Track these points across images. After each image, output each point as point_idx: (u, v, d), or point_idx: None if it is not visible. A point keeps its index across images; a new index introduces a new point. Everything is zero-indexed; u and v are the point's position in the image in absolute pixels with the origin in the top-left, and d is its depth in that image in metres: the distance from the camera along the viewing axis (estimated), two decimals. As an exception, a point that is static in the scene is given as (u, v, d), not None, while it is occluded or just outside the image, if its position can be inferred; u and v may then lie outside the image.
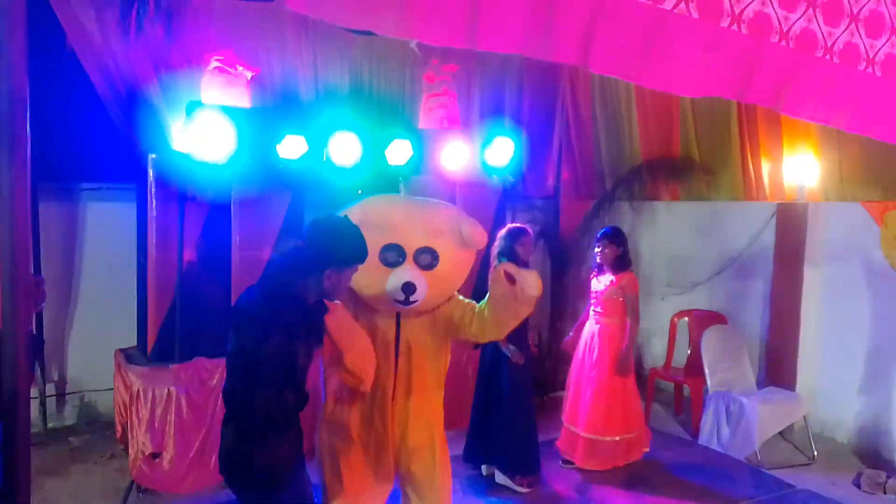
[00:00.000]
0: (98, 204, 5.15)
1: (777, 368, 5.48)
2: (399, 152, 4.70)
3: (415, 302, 2.82)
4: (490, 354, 4.41)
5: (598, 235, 4.77)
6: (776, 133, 5.22)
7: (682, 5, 2.13)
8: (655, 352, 6.47)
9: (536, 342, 6.04)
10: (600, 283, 4.74)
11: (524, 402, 4.43)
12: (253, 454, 2.42)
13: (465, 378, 5.00)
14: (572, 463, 4.72)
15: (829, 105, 2.53)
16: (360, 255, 2.57)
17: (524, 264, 4.04)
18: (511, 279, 2.81)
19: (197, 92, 4.04)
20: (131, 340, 4.77)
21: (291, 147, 4.24)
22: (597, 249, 4.73)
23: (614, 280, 4.65)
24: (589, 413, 4.62)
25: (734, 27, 2.23)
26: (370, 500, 3.07)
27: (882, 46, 2.52)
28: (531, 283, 2.78)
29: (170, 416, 4.17)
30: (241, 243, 4.38)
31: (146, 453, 4.14)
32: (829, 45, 2.42)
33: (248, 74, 4.08)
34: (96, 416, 5.29)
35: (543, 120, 6.19)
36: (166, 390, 4.16)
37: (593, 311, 4.79)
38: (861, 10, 2.46)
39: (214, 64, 4.05)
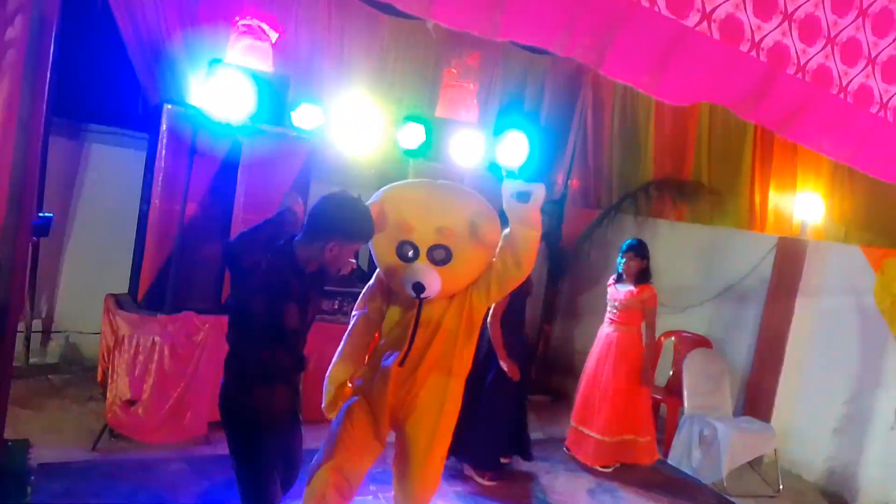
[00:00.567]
0: (108, 147, 5.17)
1: (755, 399, 5.50)
2: (411, 136, 4.71)
3: (427, 297, 2.91)
4: (483, 350, 4.43)
5: (625, 247, 4.91)
6: (788, 168, 5.25)
7: (704, 24, 2.15)
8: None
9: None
10: (619, 291, 4.91)
11: (502, 401, 4.48)
12: (244, 401, 2.58)
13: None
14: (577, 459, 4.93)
15: (836, 140, 2.56)
16: (363, 233, 2.69)
17: None
18: (522, 198, 2.85)
19: (220, 50, 4.06)
20: (123, 287, 4.78)
21: (307, 116, 4.26)
22: (621, 260, 4.88)
23: (635, 291, 4.83)
24: (603, 417, 4.81)
25: (753, 53, 2.26)
26: (362, 452, 3.12)
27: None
28: (538, 191, 2.83)
29: (151, 366, 4.18)
30: (244, 205, 4.40)
31: (123, 399, 4.15)
32: (843, 84, 2.45)
33: (274, 36, 4.09)
34: (79, 358, 5.31)
35: (560, 124, 6.21)
36: (151, 339, 4.17)
37: (609, 317, 4.98)
38: (879, 54, 2.49)
39: (242, 25, 4.07)
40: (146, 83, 4.39)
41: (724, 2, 2.18)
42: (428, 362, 3.04)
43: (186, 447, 4.26)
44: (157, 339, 4.18)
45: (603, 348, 4.96)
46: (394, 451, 3.27)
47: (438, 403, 3.09)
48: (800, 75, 2.34)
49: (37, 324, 5.15)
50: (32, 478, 3.67)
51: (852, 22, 2.40)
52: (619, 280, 4.95)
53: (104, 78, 4.58)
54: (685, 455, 5.13)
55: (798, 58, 2.32)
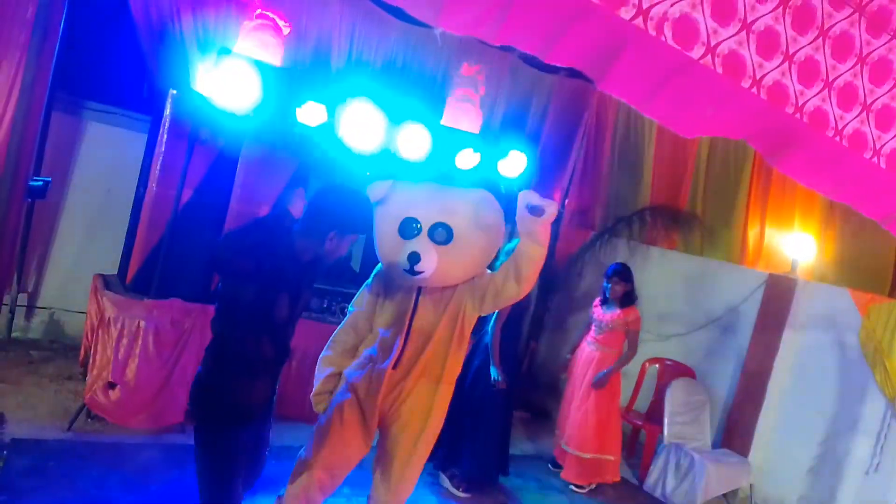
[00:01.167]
0: (109, 127, 5.16)
1: (734, 432, 5.51)
2: (413, 143, 4.72)
3: (421, 273, 2.90)
4: (478, 361, 4.47)
5: (609, 271, 5.08)
6: (783, 206, 5.30)
7: (709, 58, 2.19)
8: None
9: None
10: (605, 313, 5.06)
11: (496, 414, 4.54)
12: (221, 392, 2.52)
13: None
14: (560, 467, 5.11)
15: (827, 178, 2.60)
16: (362, 224, 2.72)
17: None
18: (535, 211, 2.86)
19: (230, 39, 4.07)
20: (112, 268, 4.78)
21: (311, 113, 4.27)
22: (607, 284, 5.03)
23: (619, 313, 4.98)
24: (580, 434, 4.98)
25: (753, 90, 2.29)
26: (350, 451, 3.12)
27: (889, 140, 2.58)
28: (551, 208, 2.86)
29: (135, 350, 4.17)
30: (241, 196, 4.41)
31: (104, 381, 4.14)
32: (839, 128, 2.48)
33: (286, 30, 4.10)
34: (62, 337, 5.29)
35: (561, 143, 6.23)
36: (136, 322, 4.16)
37: (592, 337, 5.12)
38: (874, 101, 2.53)
39: (255, 16, 4.09)
40: (153, 66, 4.39)
41: (728, 38, 2.21)
42: (420, 367, 3.05)
43: (162, 434, 4.24)
44: (142, 322, 4.17)
45: (582, 366, 5.10)
46: (375, 453, 3.25)
47: (426, 409, 3.10)
48: (797, 115, 2.37)
49: (22, 298, 5.12)
50: (4, 452, 3.65)
51: (850, 68, 2.44)
52: (604, 302, 5.09)
53: (111, 57, 4.59)
54: (661, 482, 5.16)
55: (796, 98, 2.36)
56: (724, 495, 5.22)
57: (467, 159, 4.97)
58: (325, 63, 4.77)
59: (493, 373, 4.36)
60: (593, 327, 5.13)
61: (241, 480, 2.67)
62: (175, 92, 4.23)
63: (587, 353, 5.11)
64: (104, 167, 5.14)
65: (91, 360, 4.21)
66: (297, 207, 2.71)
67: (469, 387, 4.48)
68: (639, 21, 2.06)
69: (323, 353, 3.21)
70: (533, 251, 2.90)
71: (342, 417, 3.08)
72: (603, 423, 4.97)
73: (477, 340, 4.57)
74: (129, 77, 4.62)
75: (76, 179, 5.19)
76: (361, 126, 4.44)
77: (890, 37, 2.46)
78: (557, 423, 5.26)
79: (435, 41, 4.93)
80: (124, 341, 4.15)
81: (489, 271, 3.12)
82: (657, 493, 5.14)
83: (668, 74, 2.18)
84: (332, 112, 4.34)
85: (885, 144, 2.56)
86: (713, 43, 2.19)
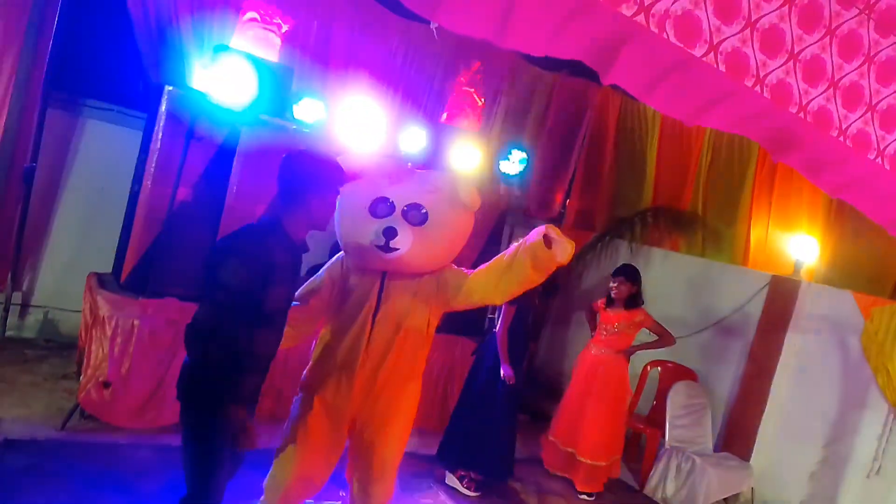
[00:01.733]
0: (104, 125, 5.12)
1: (736, 436, 5.46)
2: (412, 141, 4.69)
3: (396, 250, 2.78)
4: (491, 362, 4.43)
5: (615, 272, 4.95)
6: (786, 208, 5.26)
7: (711, 56, 2.14)
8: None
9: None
10: (611, 315, 4.93)
11: (512, 414, 4.54)
12: (210, 383, 2.45)
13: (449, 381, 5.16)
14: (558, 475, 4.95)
15: (831, 178, 2.56)
16: (338, 175, 2.60)
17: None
18: (549, 242, 2.83)
19: (227, 35, 4.03)
20: (107, 266, 4.73)
21: (308, 110, 4.23)
22: (612, 285, 4.90)
23: (625, 315, 4.87)
24: (592, 442, 4.82)
25: (757, 88, 2.25)
26: (318, 460, 3.03)
27: (893, 141, 2.54)
28: (566, 250, 2.83)
29: (129, 349, 4.12)
30: (237, 194, 4.36)
31: (98, 380, 4.10)
32: (843, 128, 2.44)
33: (284, 27, 4.06)
34: (57, 335, 5.25)
35: (563, 142, 6.18)
36: (131, 322, 4.11)
37: (599, 340, 4.99)
38: (880, 102, 2.49)
39: (252, 13, 4.05)
40: (149, 63, 4.35)
41: (731, 35, 2.17)
42: (388, 366, 2.92)
43: (156, 434, 4.20)
44: (136, 322, 4.12)
45: (589, 370, 4.97)
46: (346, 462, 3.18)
47: (399, 411, 3.02)
48: (801, 115, 2.33)
49: (17, 296, 5.08)
50: (-6, 453, 3.62)
51: (857, 68, 2.39)
52: (609, 304, 4.97)
53: (106, 54, 4.54)
54: (661, 486, 5.11)
55: (801, 98, 2.31)
56: (726, 499, 5.16)
57: (467, 157, 4.93)
58: (324, 61, 4.73)
59: (503, 370, 4.31)
60: (598, 330, 5.02)
61: (226, 472, 2.62)
62: (171, 88, 4.18)
63: (593, 358, 4.98)
64: (99, 164, 5.09)
65: (86, 360, 4.17)
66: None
67: (480, 388, 4.44)
68: (640, 18, 2.01)
69: None
70: (529, 274, 2.84)
71: (307, 430, 2.96)
72: (614, 429, 4.90)
73: (486, 341, 4.52)
74: (124, 74, 4.57)
75: (71, 177, 5.14)
76: (359, 125, 4.40)
77: (898, 37, 2.41)
78: (554, 426, 5.07)
79: (433, 38, 4.89)
80: (119, 340, 4.10)
81: (463, 269, 3.04)
82: (657, 497, 5.08)
83: (668, 72, 2.13)
84: (329, 109, 4.30)
85: (888, 145, 2.51)
86: (716, 41, 2.15)
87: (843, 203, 2.81)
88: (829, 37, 2.33)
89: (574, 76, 5.67)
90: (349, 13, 4.79)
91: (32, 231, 5.00)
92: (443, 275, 2.97)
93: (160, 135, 4.19)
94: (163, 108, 4.16)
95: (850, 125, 2.45)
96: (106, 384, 4.11)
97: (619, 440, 5.00)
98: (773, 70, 2.24)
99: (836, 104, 2.39)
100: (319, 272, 3.11)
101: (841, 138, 2.44)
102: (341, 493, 3.41)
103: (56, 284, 5.16)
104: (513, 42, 2.01)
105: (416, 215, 2.83)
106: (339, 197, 2.71)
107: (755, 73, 2.22)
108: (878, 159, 2.52)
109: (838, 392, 5.05)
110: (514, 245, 2.99)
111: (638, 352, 5.03)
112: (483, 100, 5.15)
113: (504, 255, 2.96)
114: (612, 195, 6.50)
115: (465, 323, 5.02)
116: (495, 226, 5.68)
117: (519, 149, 5.24)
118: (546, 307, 6.81)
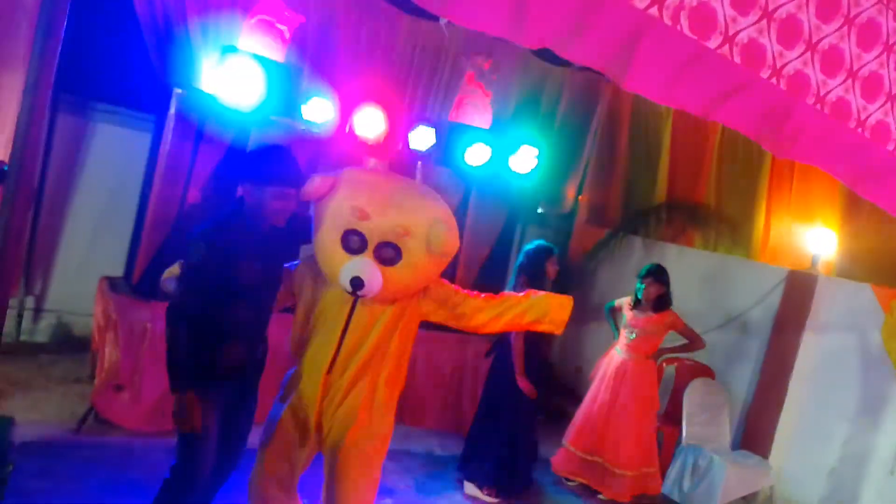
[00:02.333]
0: (114, 127, 5.12)
1: (754, 434, 5.39)
2: (422, 138, 4.65)
3: (364, 296, 2.73)
4: (502, 367, 4.36)
5: (644, 271, 4.74)
6: (803, 200, 5.17)
7: (726, 48, 2.10)
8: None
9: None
10: (638, 318, 4.73)
11: (532, 426, 4.51)
12: (185, 355, 2.58)
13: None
14: (572, 481, 4.81)
15: (849, 170, 2.50)
16: (268, 175, 2.57)
17: (551, 284, 4.13)
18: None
19: (235, 37, 4.01)
20: (119, 269, 4.74)
21: (317, 110, 4.20)
22: (640, 285, 4.69)
23: (655, 318, 4.67)
24: (626, 453, 4.67)
25: (773, 80, 2.20)
26: (282, 462, 3.02)
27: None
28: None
29: (142, 352, 4.14)
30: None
31: (111, 383, 4.10)
32: (862, 119, 2.38)
33: (290, 28, 4.03)
34: (69, 338, 5.26)
35: (574, 137, 6.10)
36: (143, 325, 4.13)
37: (624, 343, 4.79)
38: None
39: (259, 13, 4.02)
40: (158, 65, 4.33)
41: (748, 26, 2.11)
42: (356, 369, 2.86)
43: (170, 437, 4.17)
44: (148, 325, 4.13)
45: (617, 377, 4.74)
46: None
47: (366, 409, 2.90)
48: (818, 106, 2.27)
49: (29, 301, 5.11)
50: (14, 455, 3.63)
51: (876, 57, 2.33)
52: (636, 305, 4.75)
53: (115, 57, 4.53)
54: (677, 483, 5.04)
55: (818, 89, 2.25)
56: (744, 498, 5.10)
57: (476, 155, 4.88)
58: (331, 59, 4.70)
59: (521, 383, 4.24)
60: (623, 333, 4.79)
61: (208, 457, 2.72)
62: (180, 90, 4.17)
63: (619, 363, 4.77)
64: (109, 167, 5.10)
65: (98, 363, 4.17)
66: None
67: (501, 401, 4.37)
68: (654, 10, 1.97)
69: None
70: (521, 326, 2.98)
71: (274, 431, 2.96)
72: (644, 438, 4.74)
73: (499, 347, 4.46)
74: (132, 76, 4.56)
75: (81, 181, 5.15)
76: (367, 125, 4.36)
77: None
78: (571, 433, 4.85)
79: (442, 35, 4.85)
80: (131, 343, 4.11)
81: (453, 286, 3.03)
82: (675, 496, 5.02)
83: (684, 64, 2.08)
84: (338, 109, 4.26)
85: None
86: (731, 32, 2.09)
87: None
88: (847, 26, 2.27)
89: (584, 70, 5.60)
90: (356, 11, 4.75)
91: (44, 236, 5.02)
92: (428, 290, 2.95)
93: (169, 137, 4.19)
94: (172, 110, 4.16)
95: (868, 116, 2.40)
96: (119, 387, 4.12)
97: (651, 450, 4.80)
98: (791, 61, 2.19)
99: (854, 95, 2.34)
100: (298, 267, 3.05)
101: (859, 130, 2.38)
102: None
103: (68, 288, 5.17)
104: (528, 39, 1.97)
105: (388, 253, 2.71)
106: (314, 210, 2.77)
107: (772, 64, 2.17)
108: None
109: (858, 387, 4.97)
110: (523, 294, 3.10)
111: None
112: (492, 96, 5.09)
113: (510, 298, 3.03)
114: (624, 190, 6.42)
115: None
116: (506, 224, 5.64)
117: (529, 145, 5.18)
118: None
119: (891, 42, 2.36)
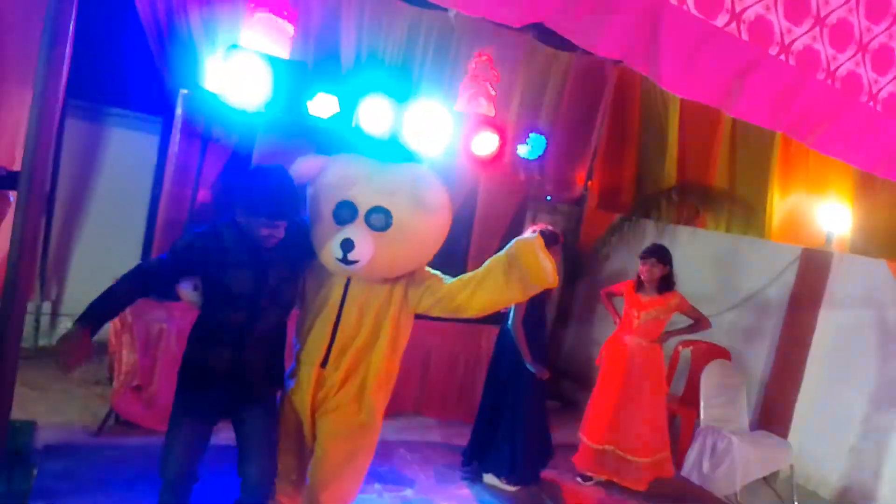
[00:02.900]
0: (123, 131, 5.15)
1: (772, 413, 5.37)
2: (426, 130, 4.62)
3: (355, 262, 2.68)
4: (510, 355, 4.34)
5: (645, 252, 4.61)
6: (816, 177, 5.10)
7: (733, 25, 2.07)
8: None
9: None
10: (643, 300, 4.61)
11: (541, 411, 4.48)
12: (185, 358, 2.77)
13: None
14: (591, 479, 4.72)
15: (863, 149, 2.45)
16: (257, 207, 2.54)
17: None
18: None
19: (238, 32, 4.00)
20: (133, 272, 4.76)
21: (323, 106, 4.19)
22: (642, 266, 4.57)
23: (660, 299, 4.56)
24: (643, 441, 4.59)
25: (782, 56, 2.16)
26: (293, 454, 3.06)
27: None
28: (546, 267, 2.71)
29: (158, 352, 4.17)
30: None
31: (130, 385, 4.14)
32: (873, 93, 2.34)
33: (294, 22, 4.01)
34: (87, 341, 5.29)
35: (582, 121, 6.05)
36: (158, 326, 4.16)
37: (632, 328, 4.66)
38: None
39: (261, 9, 4.01)
40: (162, 67, 4.34)
41: (754, 3, 2.09)
42: (349, 363, 2.85)
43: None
44: (164, 325, 4.16)
45: (623, 362, 4.63)
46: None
47: (357, 401, 2.90)
48: (829, 81, 2.24)
49: (46, 306, 5.15)
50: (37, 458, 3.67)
51: (886, 29, 2.29)
52: (639, 288, 4.64)
53: (122, 60, 4.54)
54: (696, 466, 5.03)
55: (828, 63, 2.22)
56: (765, 478, 5.09)
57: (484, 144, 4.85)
58: (335, 53, 4.68)
59: (529, 367, 4.22)
60: (628, 317, 4.68)
61: (181, 451, 2.78)
62: (186, 91, 4.18)
63: (627, 348, 4.64)
64: (121, 171, 5.14)
65: (116, 365, 4.21)
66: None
67: (506, 382, 4.37)
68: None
69: None
70: (502, 286, 2.73)
71: (285, 427, 2.97)
72: (656, 424, 4.65)
73: (500, 337, 4.46)
74: (139, 78, 4.57)
75: (94, 185, 5.18)
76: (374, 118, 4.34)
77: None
78: (585, 425, 4.76)
79: (446, 25, 4.82)
80: (148, 344, 4.15)
81: (437, 272, 2.94)
82: (694, 478, 5.01)
83: (694, 45, 2.06)
84: (343, 104, 4.24)
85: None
86: (738, 9, 2.07)
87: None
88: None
89: (590, 54, 5.55)
90: (357, 3, 4.72)
91: (58, 240, 5.06)
92: (413, 278, 2.88)
93: (177, 138, 4.21)
94: (178, 111, 4.17)
95: (881, 89, 2.37)
96: (138, 388, 4.15)
97: (664, 436, 4.72)
98: (799, 37, 2.16)
99: (865, 68, 2.30)
100: None
101: (871, 103, 2.35)
102: None
103: (84, 292, 5.16)
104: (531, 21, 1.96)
105: (379, 219, 2.69)
106: (308, 192, 2.79)
107: (779, 40, 2.14)
108: None
109: (876, 364, 4.94)
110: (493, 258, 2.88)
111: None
112: (498, 84, 5.05)
113: (480, 268, 2.84)
114: (635, 174, 6.37)
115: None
116: (516, 213, 5.63)
117: (537, 132, 5.15)
118: (572, 294, 6.74)
119: (900, 14, 2.32)
